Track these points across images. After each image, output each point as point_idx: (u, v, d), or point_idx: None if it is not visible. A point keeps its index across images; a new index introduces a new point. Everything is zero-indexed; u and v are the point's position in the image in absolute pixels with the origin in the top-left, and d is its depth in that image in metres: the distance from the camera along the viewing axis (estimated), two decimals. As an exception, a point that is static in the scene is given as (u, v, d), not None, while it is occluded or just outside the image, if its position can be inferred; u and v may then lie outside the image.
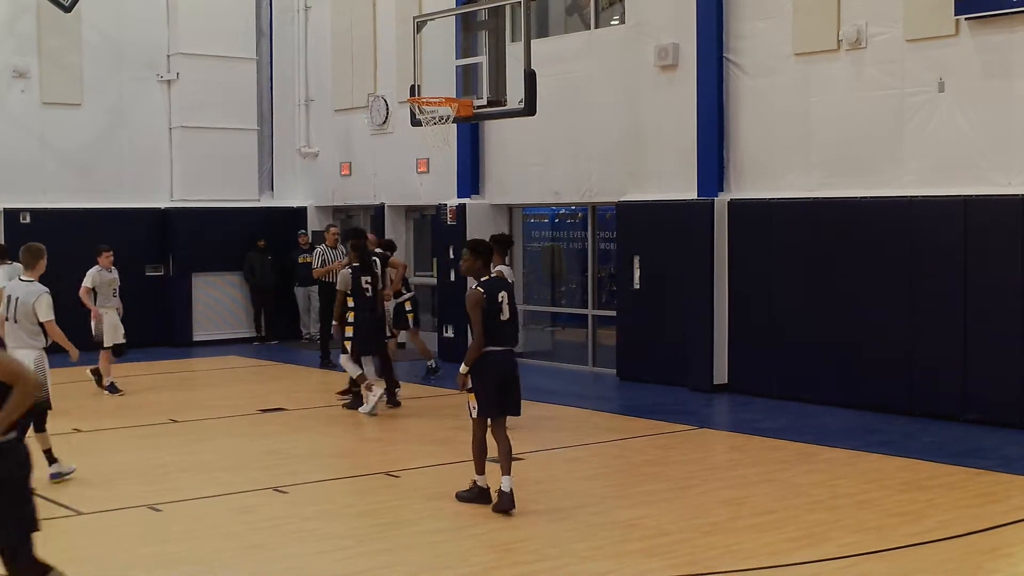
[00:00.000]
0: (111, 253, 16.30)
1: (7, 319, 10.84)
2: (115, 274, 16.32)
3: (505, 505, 9.82)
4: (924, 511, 9.93)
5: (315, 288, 20.03)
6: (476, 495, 10.17)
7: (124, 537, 9.44)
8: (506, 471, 9.92)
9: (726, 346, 16.09)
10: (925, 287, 14.02)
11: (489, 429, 10.08)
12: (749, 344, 15.87)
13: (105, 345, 16.07)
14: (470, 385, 9.93)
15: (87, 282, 16.01)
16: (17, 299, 10.83)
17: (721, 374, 16.12)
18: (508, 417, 10.16)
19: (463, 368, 9.92)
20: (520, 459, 11.85)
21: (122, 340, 16.22)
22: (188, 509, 10.29)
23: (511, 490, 9.87)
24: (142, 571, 8.55)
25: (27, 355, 10.46)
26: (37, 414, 10.73)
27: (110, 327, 16.06)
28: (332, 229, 19.85)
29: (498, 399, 10.00)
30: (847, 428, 13.55)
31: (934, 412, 13.91)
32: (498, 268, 11.36)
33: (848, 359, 14.76)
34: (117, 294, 16.27)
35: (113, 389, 16.23)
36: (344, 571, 8.54)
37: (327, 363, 18.59)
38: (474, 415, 10.04)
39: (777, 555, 8.66)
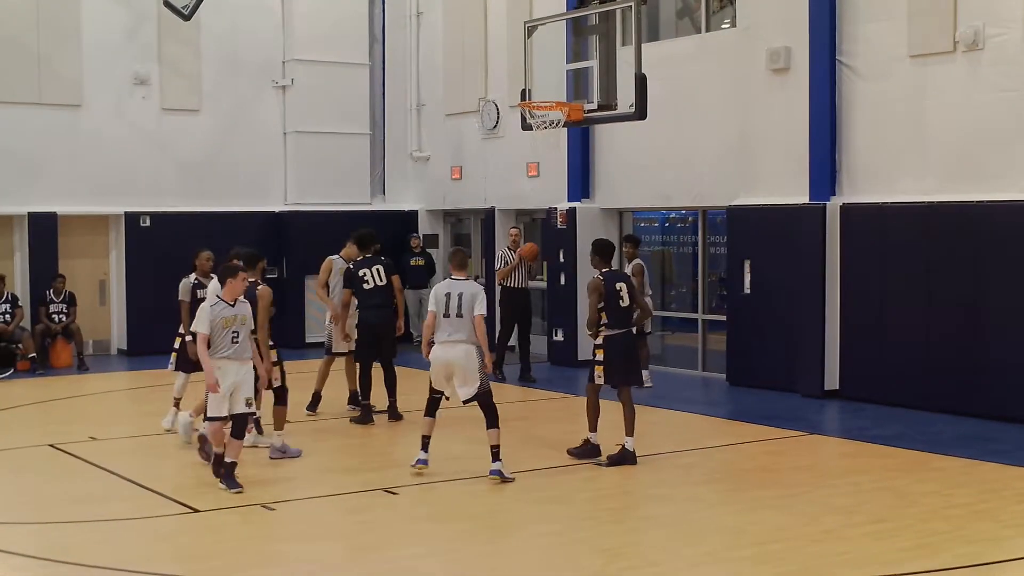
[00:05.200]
0: (234, 275, 11.10)
1: (447, 315, 11.34)
2: (239, 309, 10.95)
3: (629, 460, 11.83)
4: (1042, 522, 9.75)
5: (426, 291, 20.15)
6: (587, 451, 12.10)
7: (237, 536, 9.63)
8: (630, 432, 11.91)
9: (837, 352, 15.90)
10: (1044, 293, 13.74)
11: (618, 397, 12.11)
12: (861, 350, 15.66)
13: (209, 415, 11.04)
14: (599, 358, 11.94)
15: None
16: (461, 295, 11.36)
17: (832, 380, 15.93)
18: (632, 388, 12.20)
19: (588, 331, 12.18)
20: (631, 464, 11.88)
21: (242, 409, 10.91)
22: (301, 509, 10.47)
23: (633, 449, 11.89)
24: (254, 570, 8.71)
25: (471, 349, 11.31)
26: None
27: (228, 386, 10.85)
28: (513, 231, 18.82)
29: (621, 372, 12.01)
30: (962, 436, 13.32)
31: (1053, 421, 13.63)
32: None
33: (964, 366, 14.49)
34: (239, 338, 10.90)
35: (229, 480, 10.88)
36: (451, 573, 8.62)
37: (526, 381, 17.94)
38: (599, 382, 11.99)
39: (890, 564, 8.56)
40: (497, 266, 18.39)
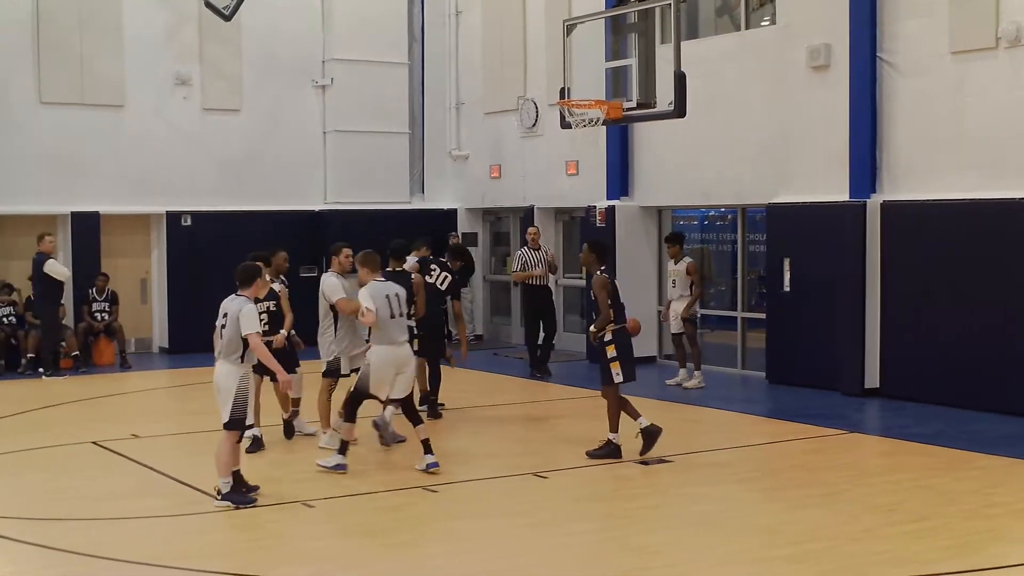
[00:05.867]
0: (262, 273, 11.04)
1: (392, 316, 11.46)
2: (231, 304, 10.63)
3: (615, 454, 11.99)
4: (1084, 522, 9.66)
5: (466, 290, 20.23)
6: (609, 451, 12.03)
7: (275, 533, 9.68)
8: (615, 428, 12.08)
9: (878, 349, 15.81)
10: (1087, 291, 13.60)
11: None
12: (902, 348, 15.56)
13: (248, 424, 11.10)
14: (613, 354, 11.93)
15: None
16: (398, 295, 11.58)
17: (873, 378, 15.84)
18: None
19: (594, 328, 12.10)
20: (668, 462, 11.89)
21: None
22: (339, 506, 10.50)
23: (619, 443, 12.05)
24: (291, 566, 8.75)
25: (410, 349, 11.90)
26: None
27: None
28: (531, 230, 19.21)
29: (631, 365, 12.13)
30: (1004, 435, 13.20)
31: (1097, 420, 13.50)
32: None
33: (1006, 364, 14.37)
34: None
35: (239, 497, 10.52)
36: (486, 571, 8.63)
37: (539, 373, 18.36)
38: (618, 380, 11.95)
39: (929, 564, 8.51)
40: (514, 267, 18.57)
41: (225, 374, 10.38)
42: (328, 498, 10.66)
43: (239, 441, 10.56)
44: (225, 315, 10.44)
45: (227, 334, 10.35)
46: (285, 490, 10.89)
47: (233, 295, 10.56)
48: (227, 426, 10.38)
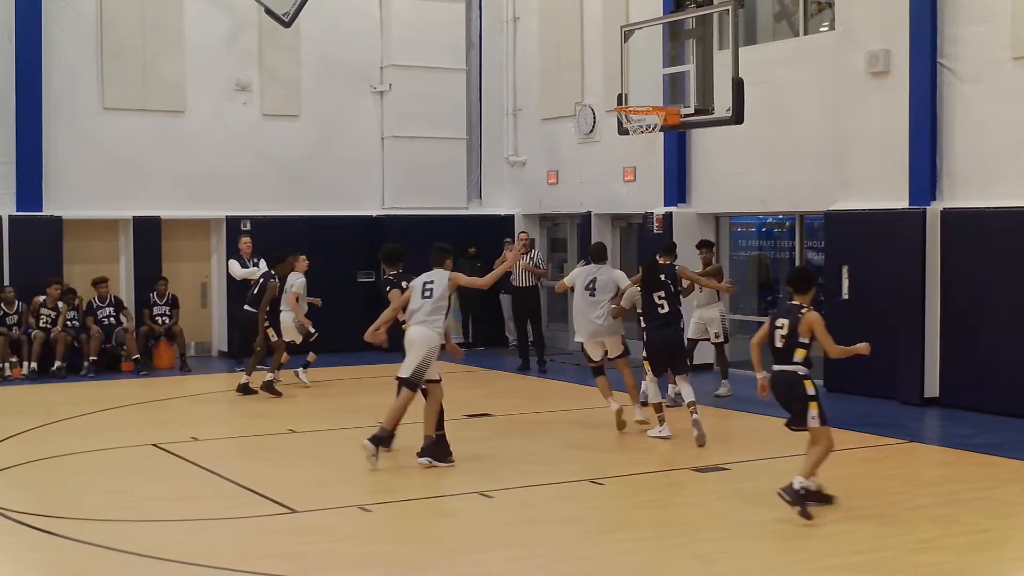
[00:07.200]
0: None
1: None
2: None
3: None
4: None
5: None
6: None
7: (333, 536, 9.73)
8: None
9: (938, 358, 15.66)
10: None
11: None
12: (962, 357, 15.41)
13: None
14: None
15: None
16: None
17: (932, 387, 15.70)
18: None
19: None
20: (725, 469, 11.84)
21: None
22: (395, 511, 10.57)
23: None
24: (347, 570, 8.81)
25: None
26: None
27: None
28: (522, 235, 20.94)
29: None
30: (1067, 445, 13.06)
31: None
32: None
33: (1069, 374, 14.22)
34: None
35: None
36: (545, 577, 8.66)
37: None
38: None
39: (989, 575, 8.43)
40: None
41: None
42: (384, 503, 10.73)
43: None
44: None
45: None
46: (342, 494, 10.95)
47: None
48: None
